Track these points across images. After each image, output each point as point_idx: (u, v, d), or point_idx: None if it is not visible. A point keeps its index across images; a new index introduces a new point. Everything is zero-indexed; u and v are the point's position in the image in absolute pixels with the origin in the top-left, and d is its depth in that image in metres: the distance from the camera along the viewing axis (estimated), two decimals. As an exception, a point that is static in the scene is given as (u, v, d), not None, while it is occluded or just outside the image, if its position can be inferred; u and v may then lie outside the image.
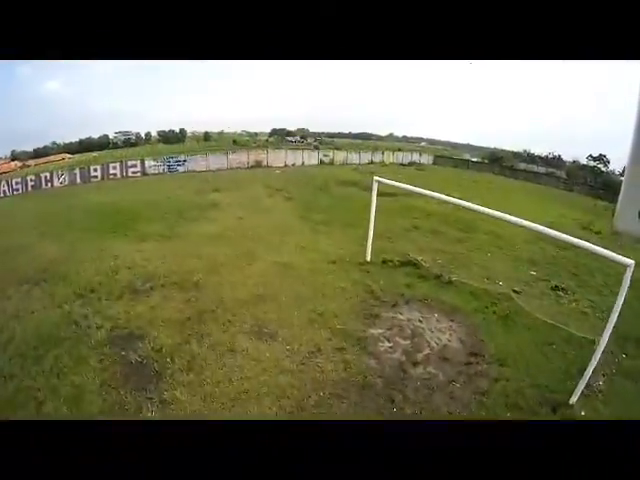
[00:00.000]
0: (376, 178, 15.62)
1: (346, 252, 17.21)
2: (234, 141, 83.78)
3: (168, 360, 9.89)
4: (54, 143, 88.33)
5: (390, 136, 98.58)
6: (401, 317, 12.05)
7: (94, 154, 75.33)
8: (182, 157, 50.00)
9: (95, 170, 46.79)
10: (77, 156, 76.40)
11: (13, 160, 78.63)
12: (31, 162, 75.23)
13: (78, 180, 46.19)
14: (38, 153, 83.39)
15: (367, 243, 16.14)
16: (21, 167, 71.89)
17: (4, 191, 47.26)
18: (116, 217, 24.00)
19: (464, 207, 12.85)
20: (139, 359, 9.99)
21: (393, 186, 15.61)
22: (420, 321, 11.87)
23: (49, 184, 46.98)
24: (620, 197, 4.30)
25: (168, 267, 15.31)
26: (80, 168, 47.45)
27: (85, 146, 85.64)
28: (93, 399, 8.77)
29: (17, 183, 47.95)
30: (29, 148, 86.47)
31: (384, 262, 15.87)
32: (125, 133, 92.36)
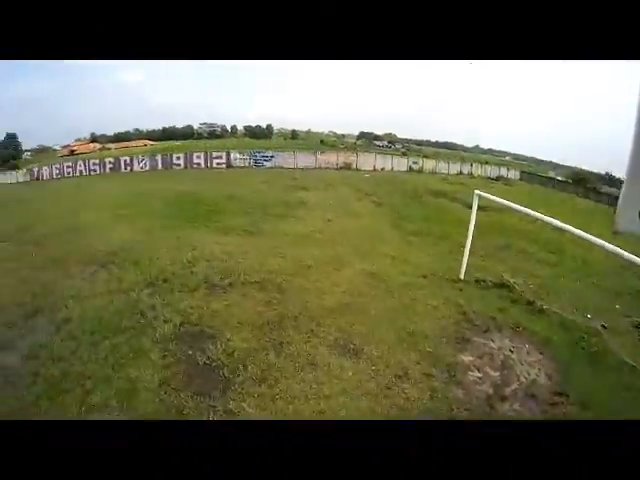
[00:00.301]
0: (477, 192, 14.35)
1: (438, 266, 15.95)
2: (321, 141, 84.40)
3: (240, 367, 8.98)
4: (136, 129, 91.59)
5: (476, 148, 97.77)
6: (492, 345, 10.86)
7: (177, 143, 77.19)
8: (269, 152, 50.09)
9: (178, 158, 47.83)
10: (159, 143, 77.69)
11: (92, 142, 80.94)
12: (111, 145, 77.90)
13: (159, 166, 47.27)
14: (119, 137, 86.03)
15: (462, 260, 14.84)
16: (100, 149, 74.40)
17: (80, 170, 51.22)
18: (197, 207, 23.63)
19: (556, 228, 11.73)
20: (207, 361, 9.17)
21: (484, 200, 14.45)
22: (511, 351, 10.70)
23: (128, 168, 49.16)
24: (621, 197, 4.50)
25: (250, 264, 14.42)
26: (162, 155, 48.51)
27: (168, 134, 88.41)
28: (149, 397, 8.11)
29: (94, 164, 50.96)
30: (109, 132, 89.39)
31: (477, 282, 14.62)
32: (210, 125, 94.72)
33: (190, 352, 9.45)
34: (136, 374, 8.70)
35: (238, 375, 8.75)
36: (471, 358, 10.18)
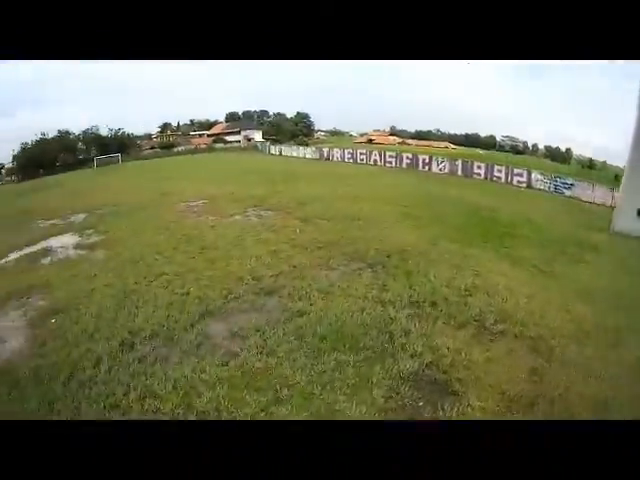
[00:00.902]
0: None
1: None
2: (615, 176, 78.72)
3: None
4: (437, 130, 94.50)
5: None
6: None
7: (480, 151, 77.51)
8: (570, 180, 46.28)
9: (479, 167, 46.29)
10: (461, 149, 79.37)
11: (392, 135, 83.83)
12: (411, 141, 80.00)
13: (459, 172, 46.64)
14: (420, 135, 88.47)
15: None
16: (400, 143, 76.42)
17: (375, 160, 53.07)
18: (493, 225, 21.10)
19: None
20: (432, 422, 7.31)
21: None
22: None
23: (426, 167, 48.83)
24: (619, 196, 3.03)
25: (531, 312, 11.19)
26: (463, 160, 47.49)
27: (471, 141, 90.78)
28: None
29: (391, 156, 51.85)
30: (410, 129, 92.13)
31: None
32: (513, 139, 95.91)
33: (420, 404, 7.54)
34: (344, 405, 7.31)
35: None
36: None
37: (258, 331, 9.39)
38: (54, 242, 18.64)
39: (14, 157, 78.51)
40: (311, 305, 10.52)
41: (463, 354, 8.81)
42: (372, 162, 53.77)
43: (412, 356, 8.61)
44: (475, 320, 10.25)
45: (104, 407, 7.30)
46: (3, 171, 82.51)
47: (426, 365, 8.39)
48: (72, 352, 9.02)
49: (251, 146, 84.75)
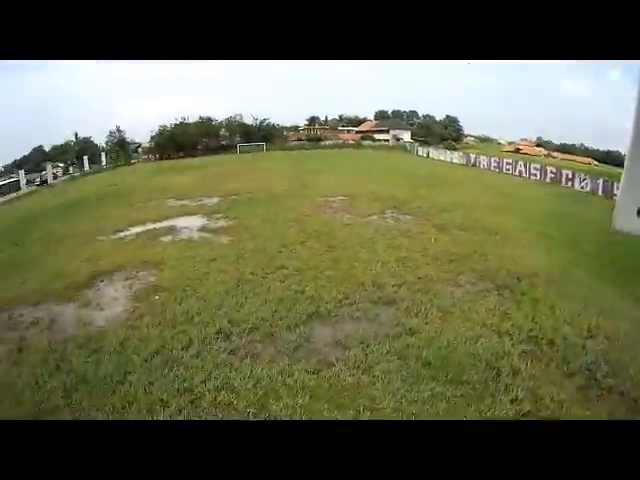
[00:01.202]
0: None
1: None
2: None
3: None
4: (581, 145, 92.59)
5: None
6: None
7: (620, 170, 72.93)
8: None
9: (618, 188, 42.78)
10: (603, 166, 75.16)
11: (538, 146, 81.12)
12: (557, 154, 76.37)
13: (599, 192, 43.33)
14: (564, 148, 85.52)
15: None
16: (546, 155, 73.56)
17: (520, 171, 50.46)
18: (624, 257, 18.03)
19: None
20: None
21: None
22: None
23: (569, 183, 45.88)
24: (619, 196, 2.93)
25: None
26: (604, 180, 43.86)
27: (612, 158, 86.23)
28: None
29: (535, 169, 49.26)
30: (556, 140, 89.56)
31: None
32: None
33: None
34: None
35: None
36: None
37: (362, 343, 8.78)
38: (179, 222, 19.32)
39: (152, 137, 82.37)
40: (426, 324, 9.62)
41: (564, 409, 7.47)
42: (517, 173, 51.67)
43: (512, 401, 7.44)
44: (587, 369, 8.71)
45: (177, 389, 7.33)
46: (140, 150, 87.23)
47: (522, 415, 7.20)
48: (165, 331, 9.23)
49: (399, 146, 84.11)
